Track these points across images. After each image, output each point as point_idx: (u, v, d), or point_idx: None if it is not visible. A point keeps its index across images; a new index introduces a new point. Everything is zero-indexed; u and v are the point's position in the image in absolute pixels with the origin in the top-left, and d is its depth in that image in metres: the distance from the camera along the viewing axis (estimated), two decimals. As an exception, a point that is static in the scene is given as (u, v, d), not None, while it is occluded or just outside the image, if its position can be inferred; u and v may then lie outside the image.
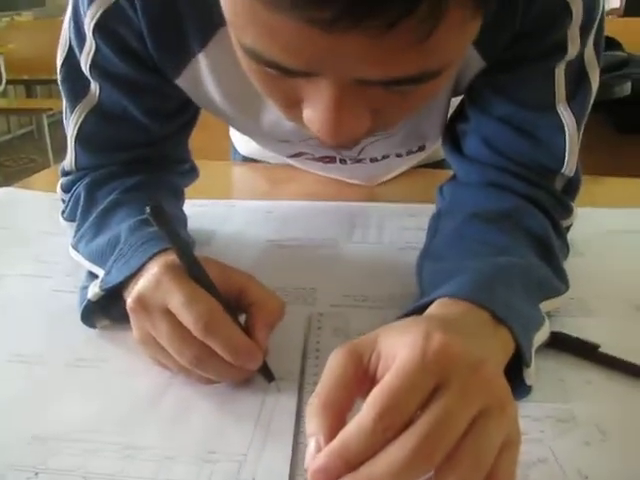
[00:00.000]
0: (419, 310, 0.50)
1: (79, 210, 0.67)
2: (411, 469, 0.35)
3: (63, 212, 0.72)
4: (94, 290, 0.56)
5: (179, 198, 0.75)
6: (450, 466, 0.36)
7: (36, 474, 0.44)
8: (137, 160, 0.71)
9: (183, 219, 0.72)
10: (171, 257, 0.52)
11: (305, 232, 0.80)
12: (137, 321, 0.51)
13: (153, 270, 0.51)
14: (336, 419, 0.39)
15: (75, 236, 0.66)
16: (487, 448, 0.36)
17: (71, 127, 0.68)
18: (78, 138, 0.68)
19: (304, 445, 0.40)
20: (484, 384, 0.38)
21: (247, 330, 0.51)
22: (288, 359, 0.55)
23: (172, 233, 0.51)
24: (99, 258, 0.60)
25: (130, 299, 0.50)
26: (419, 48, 0.37)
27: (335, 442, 0.36)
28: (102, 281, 0.56)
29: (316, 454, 0.36)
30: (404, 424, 0.36)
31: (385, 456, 0.35)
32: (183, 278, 0.50)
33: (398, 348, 0.39)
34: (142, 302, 0.50)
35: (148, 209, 0.49)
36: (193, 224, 0.74)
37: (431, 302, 0.49)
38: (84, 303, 0.57)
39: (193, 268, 0.51)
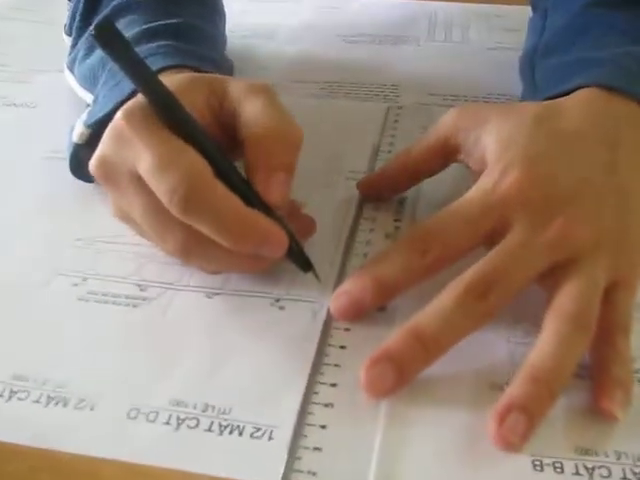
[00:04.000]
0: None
1: (77, 19, 0.53)
2: (464, 315, 0.30)
3: (65, 25, 0.58)
4: (79, 128, 0.42)
5: (213, 9, 0.57)
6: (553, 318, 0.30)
7: (84, 279, 0.38)
8: None
9: (212, 36, 0.53)
10: (140, 98, 0.35)
11: (381, 29, 0.70)
12: (107, 191, 0.36)
13: (118, 117, 0.34)
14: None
15: (70, 53, 0.53)
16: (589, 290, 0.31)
17: None
18: None
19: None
20: (567, 231, 0.32)
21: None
22: (358, 156, 0.47)
23: (128, 58, 0.33)
24: (90, 81, 0.48)
25: (92, 161, 0.35)
26: None
27: (367, 262, 0.34)
28: (88, 114, 0.43)
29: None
30: (448, 257, 0.33)
31: (433, 302, 0.30)
32: (153, 128, 0.33)
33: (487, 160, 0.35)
34: (106, 166, 0.34)
35: (92, 28, 0.32)
36: (253, 19, 0.67)
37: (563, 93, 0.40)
38: (70, 150, 0.43)
39: (166, 109, 0.33)
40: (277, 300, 0.35)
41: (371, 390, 0.29)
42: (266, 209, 0.33)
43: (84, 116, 0.43)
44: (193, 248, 0.33)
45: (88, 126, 0.42)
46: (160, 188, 0.31)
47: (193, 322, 0.35)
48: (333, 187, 0.44)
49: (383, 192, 0.43)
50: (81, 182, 0.44)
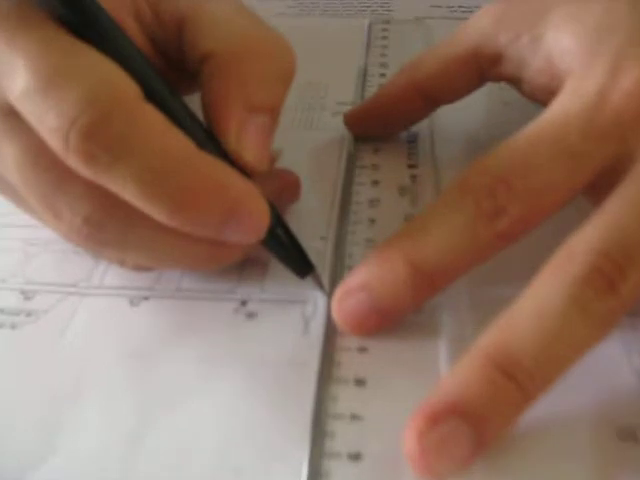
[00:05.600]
0: None
1: None
2: (583, 318, 0.17)
3: None
4: None
5: None
6: None
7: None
8: None
9: None
10: None
11: None
12: None
13: None
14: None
15: None
16: None
17: None
18: None
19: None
20: None
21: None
22: (344, 84, 0.35)
23: None
24: None
25: None
26: None
27: (396, 234, 0.20)
28: None
29: None
30: (535, 217, 0.19)
31: (523, 302, 0.18)
32: (32, 23, 0.19)
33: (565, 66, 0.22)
34: None
35: None
36: None
37: None
38: None
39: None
40: (244, 303, 0.22)
41: None
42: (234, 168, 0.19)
43: None
44: (105, 225, 0.19)
45: None
46: (46, 119, 0.17)
47: (106, 347, 0.21)
48: (317, 127, 0.31)
49: (382, 125, 0.30)
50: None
